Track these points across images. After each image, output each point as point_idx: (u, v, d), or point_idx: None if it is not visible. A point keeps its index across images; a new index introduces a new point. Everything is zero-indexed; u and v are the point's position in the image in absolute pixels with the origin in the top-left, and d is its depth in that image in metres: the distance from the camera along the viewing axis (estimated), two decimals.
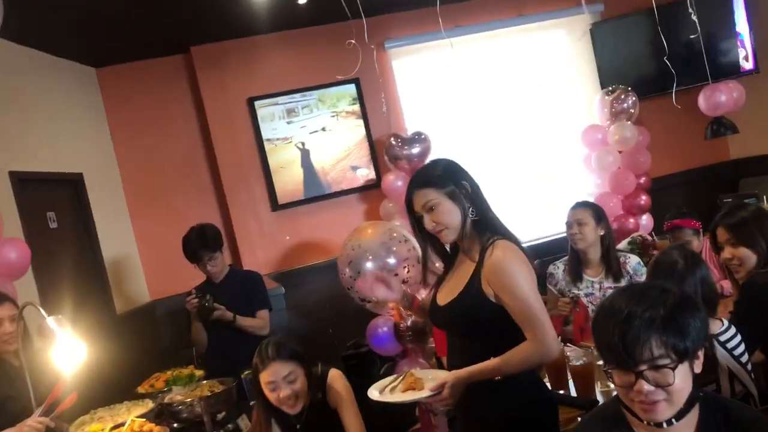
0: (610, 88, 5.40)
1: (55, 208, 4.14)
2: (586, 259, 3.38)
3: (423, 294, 2.41)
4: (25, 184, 3.76)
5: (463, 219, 2.10)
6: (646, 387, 1.33)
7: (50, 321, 2.36)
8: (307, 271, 5.13)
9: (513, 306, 1.98)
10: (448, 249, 2.25)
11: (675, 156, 5.90)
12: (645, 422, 1.39)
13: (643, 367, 1.32)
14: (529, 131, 5.74)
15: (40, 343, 2.90)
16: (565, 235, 3.48)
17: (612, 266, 3.34)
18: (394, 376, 2.21)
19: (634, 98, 5.34)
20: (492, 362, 2.00)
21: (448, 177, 2.12)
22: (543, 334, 1.96)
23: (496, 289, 2.00)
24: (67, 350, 2.37)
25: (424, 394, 2.02)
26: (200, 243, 3.59)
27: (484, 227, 2.11)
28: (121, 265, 4.79)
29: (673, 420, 1.37)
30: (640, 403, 1.35)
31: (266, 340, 2.49)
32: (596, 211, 3.39)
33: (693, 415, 1.42)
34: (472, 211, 2.10)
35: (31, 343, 2.88)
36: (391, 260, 3.09)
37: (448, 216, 2.09)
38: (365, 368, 4.71)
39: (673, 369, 1.33)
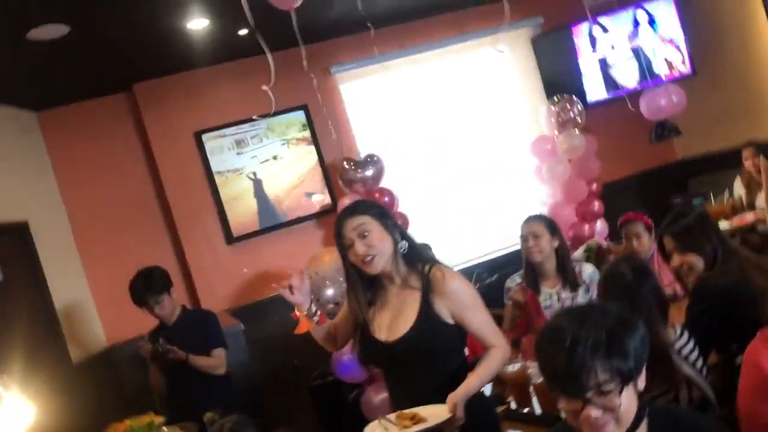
0: (555, 98, 5.49)
1: (0, 258, 4.01)
2: (542, 271, 3.40)
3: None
4: None
5: (394, 248, 2.18)
6: (594, 412, 1.33)
7: None
8: (268, 303, 5.05)
9: (477, 321, 2.16)
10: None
11: (624, 160, 6.02)
12: None
13: (590, 394, 1.32)
14: (480, 147, 5.79)
15: None
16: (517, 248, 3.51)
17: (568, 277, 3.37)
18: (381, 419, 2.08)
19: (579, 106, 5.43)
20: (475, 377, 2.09)
21: (380, 210, 2.23)
22: (502, 337, 2.22)
23: (458, 310, 2.14)
24: (13, 414, 2.27)
25: (443, 416, 1.98)
26: (146, 287, 3.54)
27: (415, 258, 2.22)
28: (75, 311, 4.65)
29: None
30: (588, 427, 1.35)
31: (217, 425, 2.33)
32: (550, 223, 3.43)
33: (642, 430, 1.42)
34: (403, 242, 2.20)
35: None
36: None
37: (381, 242, 2.15)
38: (332, 397, 4.66)
39: (620, 392, 1.33)
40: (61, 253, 4.71)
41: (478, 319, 2.16)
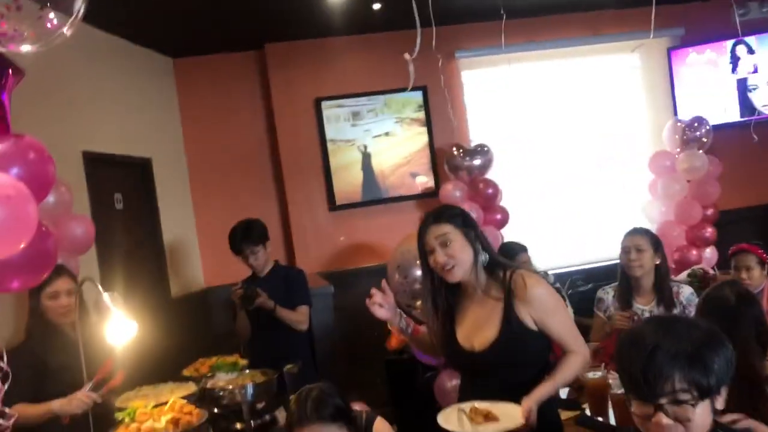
0: (683, 115, 5.26)
1: (122, 189, 4.31)
2: (638, 286, 3.29)
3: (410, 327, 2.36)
4: (95, 164, 3.93)
5: (474, 259, 2.19)
6: (665, 420, 1.31)
7: (106, 297, 2.46)
8: (357, 273, 5.17)
9: (559, 326, 2.15)
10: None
11: (746, 189, 5.69)
12: None
13: (663, 401, 1.30)
14: (594, 152, 5.64)
15: (96, 317, 3.03)
16: (617, 261, 3.41)
17: (664, 295, 3.24)
18: (455, 408, 2.13)
19: (708, 127, 5.18)
20: (551, 382, 2.09)
21: (463, 219, 2.22)
22: (583, 343, 2.20)
23: (541, 316, 2.13)
24: (119, 327, 2.47)
25: (517, 418, 1.99)
26: (244, 236, 3.71)
27: (494, 267, 2.23)
28: (180, 250, 4.94)
29: None
30: None
31: (304, 390, 2.06)
32: (654, 239, 3.31)
33: None
34: (484, 254, 2.21)
35: (88, 317, 3.01)
36: None
37: (462, 252, 2.16)
38: (406, 375, 4.72)
39: (694, 405, 1.30)
40: (176, 193, 5.00)
41: (560, 325, 2.16)
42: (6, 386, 1.90)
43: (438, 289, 2.25)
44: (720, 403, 1.37)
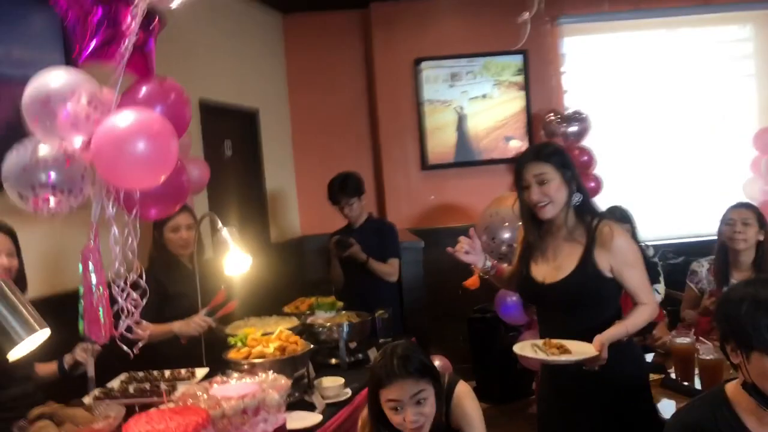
0: None
1: (232, 137, 4.57)
2: (737, 261, 3.26)
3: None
4: (209, 112, 4.18)
5: (568, 200, 2.27)
6: None
7: (224, 231, 2.70)
8: (445, 232, 5.25)
9: (633, 278, 2.24)
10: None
11: None
12: (758, 408, 1.45)
13: None
14: (695, 126, 5.49)
15: (212, 252, 3.29)
16: (710, 238, 3.38)
17: (763, 273, 3.21)
18: (529, 342, 2.27)
19: None
20: (622, 325, 2.20)
21: (563, 159, 2.29)
22: (653, 297, 2.29)
23: (618, 266, 2.23)
24: (235, 259, 2.70)
25: (589, 353, 2.11)
26: (341, 188, 3.90)
27: (584, 211, 2.31)
28: (280, 198, 5.20)
29: None
30: None
31: (389, 347, 2.02)
32: (760, 215, 3.27)
33: None
34: (578, 195, 2.28)
35: (203, 252, 3.28)
36: None
37: (557, 192, 2.25)
38: (488, 333, 4.84)
39: None
40: (279, 144, 5.25)
41: (636, 278, 2.25)
42: (144, 301, 2.15)
43: (532, 224, 2.34)
44: None
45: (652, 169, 5.45)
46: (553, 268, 2.31)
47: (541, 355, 2.16)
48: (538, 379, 4.58)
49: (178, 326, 2.85)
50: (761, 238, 3.22)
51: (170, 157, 2.04)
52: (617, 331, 2.18)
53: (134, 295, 2.13)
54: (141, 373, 2.55)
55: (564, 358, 2.13)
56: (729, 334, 1.52)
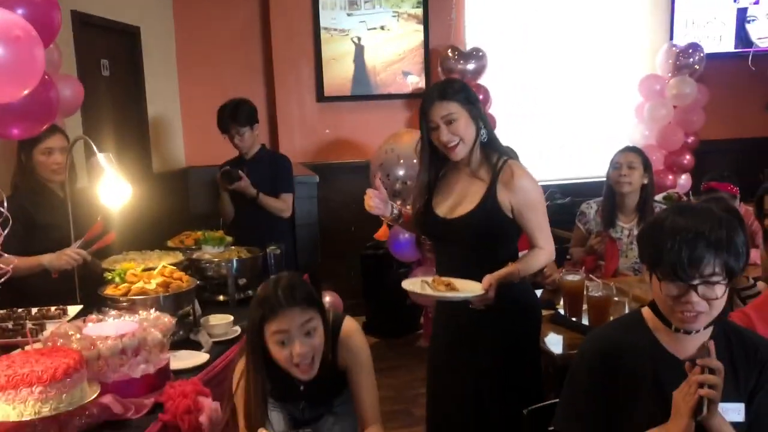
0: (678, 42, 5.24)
1: (109, 56, 4.17)
2: (623, 204, 3.37)
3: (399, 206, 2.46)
4: (84, 26, 3.77)
5: (476, 137, 2.24)
6: (695, 299, 1.43)
7: (101, 157, 2.44)
8: (341, 168, 5.18)
9: (532, 220, 2.24)
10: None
11: (730, 122, 5.76)
12: (674, 329, 1.50)
13: (697, 281, 1.42)
14: (585, 70, 5.61)
15: (87, 179, 3.00)
16: (598, 180, 3.47)
17: (646, 216, 3.33)
18: (419, 279, 2.28)
19: (702, 54, 5.18)
20: (515, 266, 2.20)
21: (468, 96, 2.25)
22: (551, 242, 2.28)
23: (520, 206, 2.22)
24: (113, 188, 2.46)
25: (477, 291, 2.11)
26: (232, 115, 3.67)
27: (491, 149, 2.28)
28: (163, 125, 4.86)
29: (701, 328, 1.49)
30: (683, 312, 1.45)
31: (272, 279, 1.90)
32: (645, 159, 3.38)
33: (709, 328, 1.53)
34: (484, 131, 2.25)
35: (76, 178, 2.99)
36: None
37: (466, 130, 2.21)
38: (380, 269, 4.83)
39: (725, 285, 1.44)
40: (162, 67, 4.87)
41: (536, 221, 2.25)
42: (6, 231, 1.91)
43: (433, 163, 2.30)
44: (737, 284, 1.52)
45: (544, 110, 5.54)
46: (455, 204, 2.28)
47: (428, 291, 2.17)
48: (426, 315, 4.68)
49: (48, 259, 2.59)
50: (645, 181, 3.33)
51: (34, 67, 1.78)
52: (508, 271, 2.17)
53: None
54: (3, 311, 2.30)
55: (450, 294, 2.14)
56: (641, 250, 1.57)
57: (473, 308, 2.15)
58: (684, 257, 1.40)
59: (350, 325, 2.01)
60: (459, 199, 2.28)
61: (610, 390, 1.54)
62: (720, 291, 1.44)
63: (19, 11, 1.81)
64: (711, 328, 1.53)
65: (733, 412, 1.48)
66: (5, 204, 1.90)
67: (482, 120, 2.25)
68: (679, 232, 1.42)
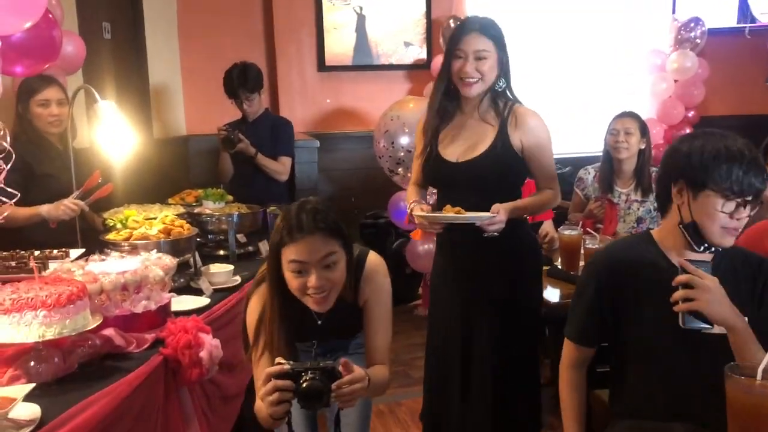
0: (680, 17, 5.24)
1: (111, 19, 4.17)
2: (620, 169, 3.38)
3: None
4: None
5: (494, 82, 2.25)
6: (745, 213, 1.57)
7: (103, 104, 2.45)
8: (341, 138, 5.18)
9: (544, 160, 2.27)
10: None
11: (730, 98, 5.76)
12: (692, 246, 1.61)
13: (749, 198, 1.56)
14: (589, 43, 5.59)
15: (88, 137, 3.01)
16: (594, 153, 3.48)
17: (643, 181, 3.35)
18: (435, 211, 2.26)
19: (703, 29, 5.17)
20: (523, 201, 2.24)
21: (503, 40, 2.26)
22: (557, 185, 2.33)
23: (531, 145, 2.23)
24: (116, 135, 2.47)
25: (484, 215, 2.12)
26: (240, 81, 3.68)
27: (501, 97, 2.29)
28: (165, 92, 4.86)
29: (712, 247, 1.61)
30: (729, 228, 1.57)
31: (296, 203, 1.71)
32: (642, 124, 3.38)
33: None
34: (503, 81, 2.27)
35: (76, 132, 2.99)
36: None
37: (490, 72, 2.21)
38: (379, 238, 4.85)
39: (761, 203, 1.60)
40: (164, 32, 4.84)
41: (545, 160, 2.29)
42: (9, 166, 1.92)
43: (444, 106, 2.29)
44: None
45: (545, 82, 5.52)
46: (465, 147, 2.27)
47: (435, 214, 2.18)
48: (424, 284, 4.69)
49: (46, 209, 2.60)
50: (643, 146, 3.34)
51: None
52: (518, 204, 2.21)
53: None
54: (5, 253, 2.31)
55: (461, 216, 2.14)
56: (680, 174, 1.62)
57: (487, 236, 2.14)
58: (742, 174, 1.52)
59: (375, 260, 1.84)
60: (469, 143, 2.27)
61: (617, 302, 1.66)
62: (754, 209, 1.58)
63: None
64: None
65: None
66: (8, 140, 1.90)
67: (506, 69, 2.26)
68: (735, 151, 1.54)
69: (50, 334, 1.59)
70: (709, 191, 1.55)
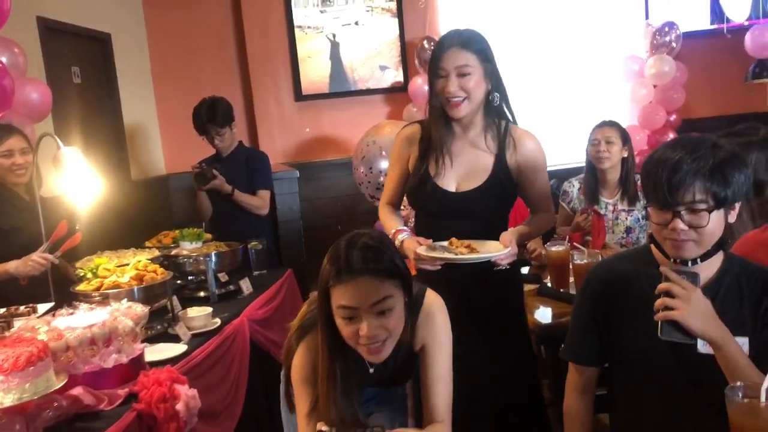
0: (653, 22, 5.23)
1: (81, 63, 4.11)
2: (605, 179, 3.33)
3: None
4: (52, 33, 3.72)
5: (485, 99, 2.10)
6: (680, 226, 1.43)
7: (66, 151, 2.38)
8: (323, 166, 5.12)
9: (540, 184, 2.18)
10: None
11: (711, 99, 5.73)
12: (672, 260, 1.49)
13: (681, 208, 1.42)
14: (565, 55, 5.56)
15: (55, 173, 2.92)
16: (578, 165, 3.43)
17: (628, 189, 3.29)
18: (428, 245, 2.03)
19: (678, 32, 5.16)
20: (529, 228, 2.18)
21: (488, 52, 2.11)
22: (552, 205, 2.27)
23: (528, 169, 2.13)
24: (81, 183, 2.39)
25: (502, 251, 1.97)
26: (209, 117, 3.62)
27: (496, 114, 2.14)
28: (141, 132, 4.80)
29: (698, 260, 1.47)
30: (671, 240, 1.46)
31: (346, 237, 1.50)
32: (623, 132, 3.33)
33: (717, 260, 1.52)
34: (497, 95, 2.11)
35: (41, 181, 2.91)
36: None
37: (476, 88, 2.06)
38: None
39: (709, 212, 1.42)
40: (136, 73, 4.81)
41: (542, 183, 2.20)
42: None
43: (440, 120, 2.11)
44: (732, 217, 1.49)
45: (523, 97, 5.49)
46: (463, 175, 2.13)
47: (449, 255, 1.96)
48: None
49: (14, 266, 2.50)
50: (625, 154, 3.29)
51: None
52: (523, 231, 2.13)
53: None
54: None
55: (475, 255, 1.96)
56: (643, 189, 1.57)
57: (498, 269, 2.00)
58: (664, 182, 1.41)
59: (434, 298, 1.66)
60: (466, 170, 2.13)
61: (613, 316, 1.60)
62: (706, 220, 1.42)
63: None
64: (720, 261, 1.53)
65: None
66: None
67: (496, 81, 2.10)
68: (664, 161, 1.43)
69: (9, 401, 1.50)
70: (650, 203, 1.50)
